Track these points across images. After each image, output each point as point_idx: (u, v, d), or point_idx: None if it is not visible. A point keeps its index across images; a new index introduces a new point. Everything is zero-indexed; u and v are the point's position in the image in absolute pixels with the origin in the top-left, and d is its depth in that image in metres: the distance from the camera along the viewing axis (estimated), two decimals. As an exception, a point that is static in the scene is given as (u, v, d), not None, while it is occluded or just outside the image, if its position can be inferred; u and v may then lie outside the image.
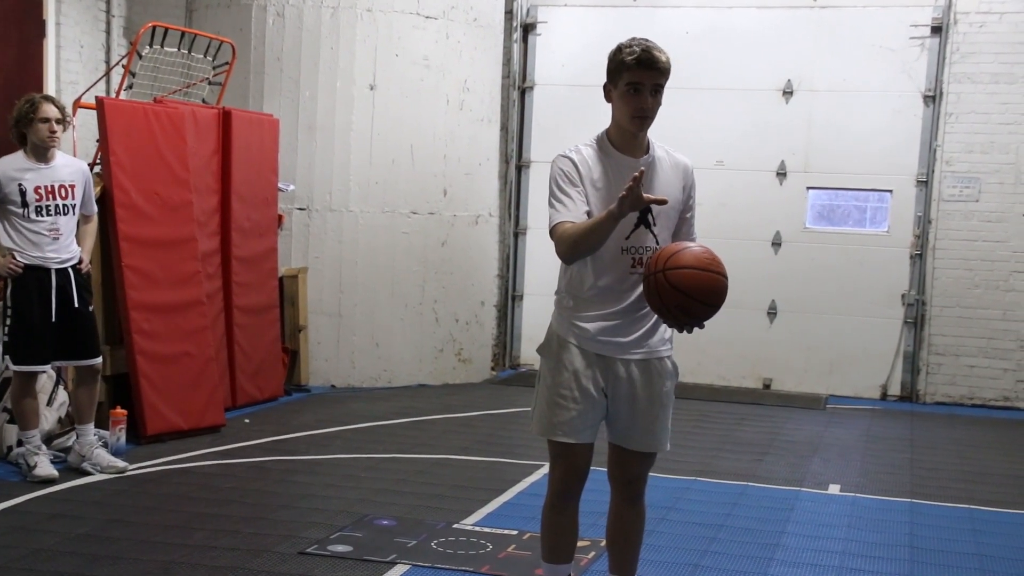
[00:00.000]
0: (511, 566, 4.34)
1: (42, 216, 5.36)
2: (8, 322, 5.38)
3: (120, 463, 5.59)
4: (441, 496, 5.39)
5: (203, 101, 7.48)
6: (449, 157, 8.57)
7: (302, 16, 8.14)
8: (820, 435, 7.43)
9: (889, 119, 8.93)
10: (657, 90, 3.24)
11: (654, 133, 3.38)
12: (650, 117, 3.26)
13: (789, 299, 9.22)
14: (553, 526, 3.48)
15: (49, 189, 5.37)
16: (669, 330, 3.40)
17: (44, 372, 5.69)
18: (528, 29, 9.70)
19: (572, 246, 3.20)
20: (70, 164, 5.55)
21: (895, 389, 9.05)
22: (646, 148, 3.35)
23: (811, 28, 9.08)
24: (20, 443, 5.53)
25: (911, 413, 8.51)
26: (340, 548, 4.48)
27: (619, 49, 3.26)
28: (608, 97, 3.32)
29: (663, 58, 3.23)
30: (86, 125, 7.17)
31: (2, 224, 5.37)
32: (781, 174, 9.20)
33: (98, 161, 6.47)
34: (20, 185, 5.31)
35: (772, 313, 9.27)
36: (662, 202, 3.17)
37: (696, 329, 3.23)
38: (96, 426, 5.68)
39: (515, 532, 4.78)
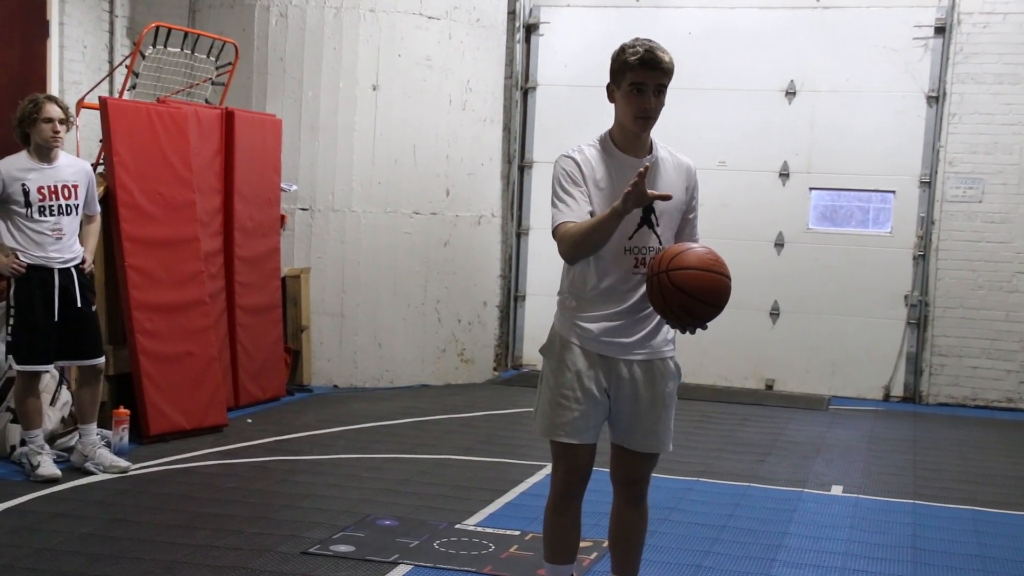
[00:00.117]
0: (513, 566, 4.34)
1: (45, 216, 5.36)
2: (11, 322, 5.39)
3: (123, 463, 5.59)
4: (443, 496, 5.39)
5: (206, 101, 7.48)
6: (452, 157, 8.58)
7: (305, 16, 8.15)
8: (823, 436, 7.43)
9: (892, 120, 8.92)
10: (660, 90, 3.24)
11: (657, 133, 3.38)
12: (653, 117, 3.26)
13: (792, 300, 9.21)
14: (555, 527, 3.48)
15: (52, 189, 5.38)
16: (672, 331, 3.40)
17: (47, 372, 5.70)
18: (531, 29, 9.70)
19: (576, 245, 3.20)
20: (73, 164, 5.56)
21: (898, 390, 9.04)
22: (649, 148, 3.35)
23: (814, 28, 9.07)
24: (23, 443, 5.53)
25: (914, 414, 8.50)
26: (342, 548, 4.48)
27: (622, 49, 3.25)
28: (611, 97, 3.32)
29: (666, 58, 3.23)
30: (89, 125, 7.18)
31: (5, 224, 5.37)
32: (784, 175, 9.19)
33: (101, 161, 6.47)
34: (23, 185, 5.31)
35: (775, 314, 9.26)
36: (666, 198, 3.17)
37: (698, 330, 3.23)
38: (99, 426, 5.68)
39: (517, 532, 4.78)
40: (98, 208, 5.75)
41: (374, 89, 8.25)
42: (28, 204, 5.32)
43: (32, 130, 5.35)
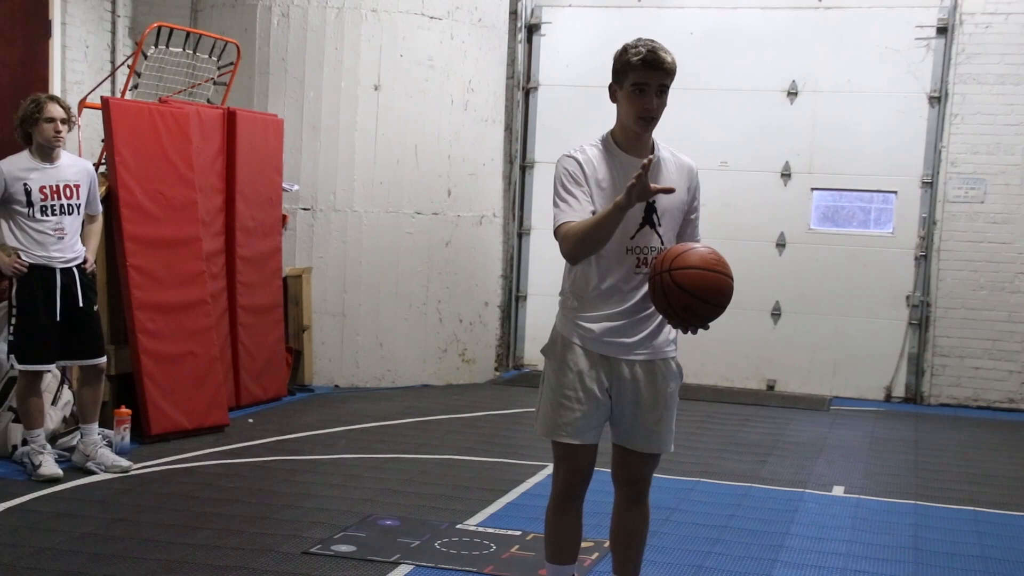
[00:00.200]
0: (515, 567, 4.34)
1: (47, 216, 5.37)
2: (13, 321, 5.39)
3: (124, 462, 5.59)
4: (445, 496, 5.39)
5: (208, 101, 7.48)
6: (453, 157, 8.58)
7: (307, 16, 8.15)
8: (824, 436, 7.42)
9: (894, 120, 8.92)
10: (662, 91, 3.24)
11: (658, 134, 3.38)
12: (655, 118, 3.26)
13: (793, 300, 9.21)
14: (557, 527, 3.48)
15: (54, 189, 5.38)
16: (674, 331, 3.40)
17: (49, 371, 5.70)
18: (532, 30, 9.70)
19: (578, 242, 3.20)
20: (75, 164, 5.56)
21: (899, 391, 9.04)
22: (651, 149, 3.35)
23: (816, 29, 9.07)
24: (25, 442, 5.53)
25: (915, 415, 8.49)
26: (344, 548, 4.48)
27: (625, 50, 3.25)
28: (613, 97, 3.32)
29: (669, 59, 3.23)
30: (91, 125, 7.18)
31: (7, 223, 5.38)
32: (785, 175, 9.19)
33: (103, 161, 6.48)
34: (25, 185, 5.32)
35: (776, 314, 9.26)
36: (669, 190, 3.17)
37: (700, 330, 3.23)
38: (100, 425, 5.68)
39: (519, 533, 4.78)
40: (100, 208, 5.75)
41: (376, 89, 8.25)
42: (30, 204, 5.33)
43: (34, 130, 5.35)
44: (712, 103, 9.13)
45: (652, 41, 3.26)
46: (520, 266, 9.85)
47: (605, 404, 3.36)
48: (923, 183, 8.90)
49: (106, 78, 7.76)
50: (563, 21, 9.62)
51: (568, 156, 3.32)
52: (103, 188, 6.03)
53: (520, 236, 9.82)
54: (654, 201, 3.29)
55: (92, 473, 5.50)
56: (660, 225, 3.31)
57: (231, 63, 7.47)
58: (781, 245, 9.21)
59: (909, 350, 9.00)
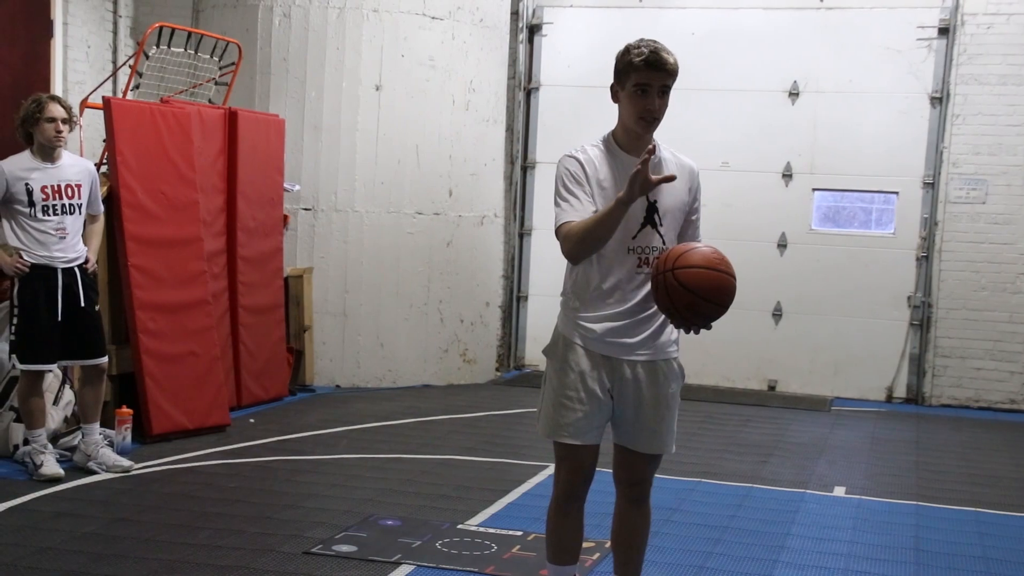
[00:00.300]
0: (516, 567, 4.34)
1: (48, 215, 5.37)
2: (15, 321, 5.39)
3: (125, 462, 5.59)
4: (446, 496, 5.39)
5: (209, 101, 7.49)
6: (454, 157, 8.58)
7: (308, 16, 8.15)
8: (825, 437, 7.42)
9: (896, 120, 8.91)
10: (664, 91, 3.24)
11: (660, 134, 3.37)
12: (657, 118, 3.26)
13: (794, 301, 9.21)
14: (558, 527, 3.47)
15: (55, 188, 5.38)
16: (675, 332, 3.39)
17: (50, 371, 5.71)
18: (534, 30, 9.70)
19: (580, 241, 3.20)
20: (76, 164, 5.56)
21: (901, 391, 9.03)
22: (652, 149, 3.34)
23: (817, 29, 9.06)
24: (27, 442, 5.54)
25: (917, 415, 8.49)
26: (345, 548, 4.48)
27: (627, 50, 3.25)
28: (615, 98, 3.32)
29: (671, 59, 3.23)
30: (93, 125, 7.18)
31: (9, 223, 5.38)
32: (787, 175, 9.19)
33: (105, 161, 6.48)
34: (27, 184, 5.32)
35: (777, 315, 9.26)
36: (671, 179, 3.16)
37: (702, 330, 3.23)
38: (102, 425, 5.68)
39: (520, 533, 4.77)
40: (101, 208, 5.75)
41: (377, 89, 8.25)
42: (32, 204, 5.33)
43: (35, 130, 5.35)
44: (713, 103, 9.13)
45: (654, 42, 3.26)
46: (521, 266, 9.85)
47: (607, 404, 3.35)
48: (924, 184, 8.90)
49: (107, 78, 7.76)
50: (564, 21, 9.62)
51: (569, 156, 3.32)
52: (104, 188, 6.03)
53: (521, 236, 9.82)
54: (655, 201, 3.29)
55: (93, 473, 5.51)
56: (661, 225, 3.31)
57: (232, 63, 7.47)
58: (782, 245, 9.21)
59: (910, 351, 8.99)
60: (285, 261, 7.98)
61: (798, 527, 5.15)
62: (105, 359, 5.62)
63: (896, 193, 9.00)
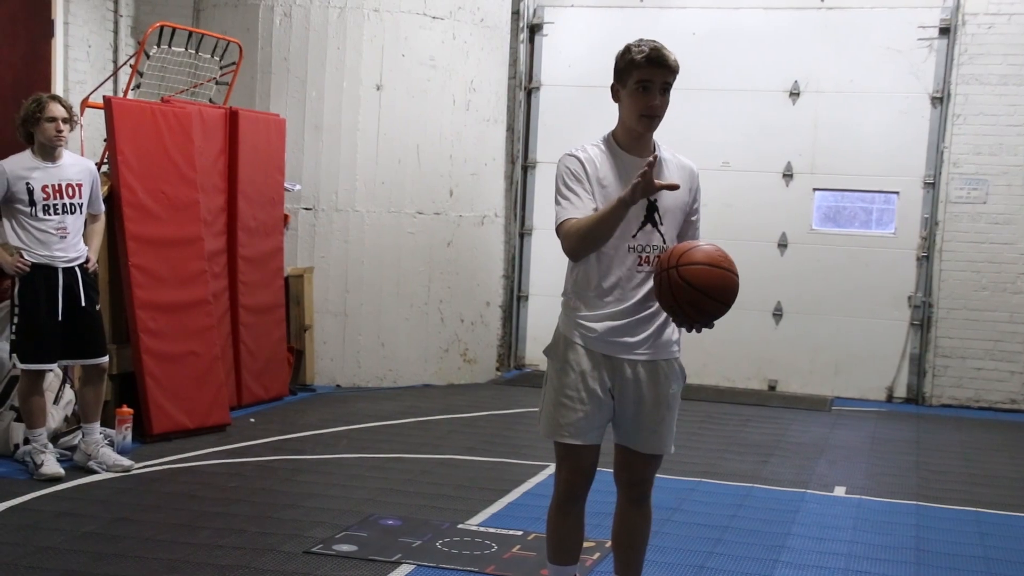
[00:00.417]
0: (516, 566, 4.34)
1: (49, 215, 5.37)
2: (15, 321, 5.39)
3: (126, 462, 5.60)
4: (446, 496, 5.39)
5: (210, 101, 7.49)
6: (455, 157, 8.58)
7: (309, 16, 8.15)
8: (826, 437, 7.42)
9: (896, 120, 8.91)
10: (666, 89, 3.25)
11: (661, 133, 3.38)
12: (659, 115, 3.26)
13: (795, 300, 9.21)
14: (559, 527, 3.47)
15: (56, 188, 5.39)
16: (677, 332, 3.39)
17: (51, 371, 5.71)
18: (534, 30, 9.70)
19: (580, 239, 3.20)
20: (77, 163, 5.56)
21: (901, 391, 9.03)
22: (652, 149, 3.35)
23: (818, 29, 9.06)
24: (27, 441, 5.54)
25: (917, 415, 8.49)
26: (345, 548, 4.48)
27: (628, 49, 3.26)
28: (615, 97, 3.32)
29: (672, 57, 3.25)
30: (94, 124, 7.19)
31: (10, 223, 5.38)
32: (787, 175, 9.19)
33: (105, 160, 6.48)
34: (27, 184, 5.33)
35: (778, 314, 9.26)
36: (674, 187, 3.17)
37: (703, 330, 3.23)
38: (102, 425, 5.68)
39: (520, 532, 4.77)
40: (102, 207, 5.76)
41: (378, 89, 8.25)
42: (32, 203, 5.33)
43: (36, 129, 5.36)
44: (714, 103, 9.13)
45: (654, 41, 3.28)
46: (522, 266, 9.85)
47: (608, 404, 3.35)
48: (925, 184, 8.90)
49: (108, 77, 7.76)
50: (565, 21, 9.62)
51: (570, 155, 3.33)
52: (105, 187, 6.03)
53: (522, 236, 9.82)
54: (656, 200, 3.29)
55: (94, 472, 5.51)
56: (662, 224, 3.31)
57: (233, 63, 7.47)
58: (783, 245, 9.21)
59: (911, 351, 8.99)
60: (286, 261, 7.99)
61: (798, 527, 5.16)
62: (106, 358, 5.62)
63: (897, 193, 9.00)
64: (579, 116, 9.17)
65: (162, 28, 6.82)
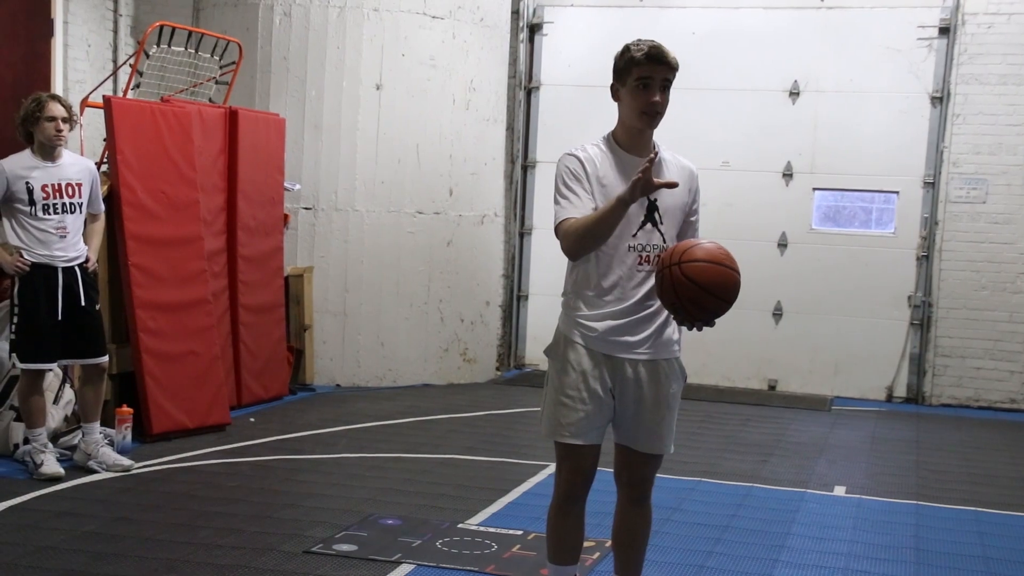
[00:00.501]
0: (516, 566, 4.34)
1: (49, 214, 5.37)
2: (15, 320, 5.39)
3: (126, 461, 5.59)
4: (446, 496, 5.39)
5: (210, 100, 7.48)
6: (455, 157, 8.58)
7: (309, 15, 8.15)
8: (825, 437, 7.42)
9: (896, 120, 8.91)
10: (666, 86, 3.25)
11: (660, 132, 3.38)
12: (660, 113, 3.26)
13: (795, 300, 9.21)
14: (559, 527, 3.47)
15: (56, 187, 5.38)
16: (677, 331, 3.40)
17: (51, 370, 5.71)
18: (534, 29, 9.70)
19: (579, 238, 3.20)
20: (77, 163, 5.56)
21: (901, 391, 9.04)
22: (652, 149, 3.35)
23: (818, 29, 9.06)
24: (27, 441, 5.54)
25: (917, 415, 8.49)
26: (345, 547, 4.48)
27: (627, 48, 3.27)
28: (615, 96, 3.33)
29: (671, 54, 3.25)
30: (93, 124, 7.18)
31: (9, 222, 5.38)
32: (787, 175, 9.19)
33: (105, 160, 6.48)
34: (27, 183, 5.32)
35: (778, 314, 9.26)
36: (673, 185, 3.17)
37: (704, 328, 3.23)
38: (102, 424, 5.68)
39: (520, 532, 4.77)
40: (102, 207, 5.75)
41: (377, 88, 8.25)
42: (32, 202, 5.33)
43: (35, 129, 5.36)
44: (714, 103, 9.12)
45: (653, 40, 3.29)
46: (521, 266, 9.85)
47: (608, 404, 3.35)
48: (925, 183, 8.90)
49: (108, 77, 7.76)
50: (565, 21, 9.62)
51: (569, 154, 3.33)
52: (105, 187, 6.03)
53: (521, 236, 9.82)
54: (656, 199, 3.29)
55: (93, 472, 5.51)
56: (662, 223, 3.31)
57: (233, 62, 7.47)
58: (783, 245, 9.21)
59: (911, 350, 8.99)
60: (285, 260, 7.99)
61: (798, 527, 5.16)
62: (105, 358, 5.62)
63: (896, 193, 9.00)
64: (579, 116, 9.17)
65: (162, 27, 6.82)
